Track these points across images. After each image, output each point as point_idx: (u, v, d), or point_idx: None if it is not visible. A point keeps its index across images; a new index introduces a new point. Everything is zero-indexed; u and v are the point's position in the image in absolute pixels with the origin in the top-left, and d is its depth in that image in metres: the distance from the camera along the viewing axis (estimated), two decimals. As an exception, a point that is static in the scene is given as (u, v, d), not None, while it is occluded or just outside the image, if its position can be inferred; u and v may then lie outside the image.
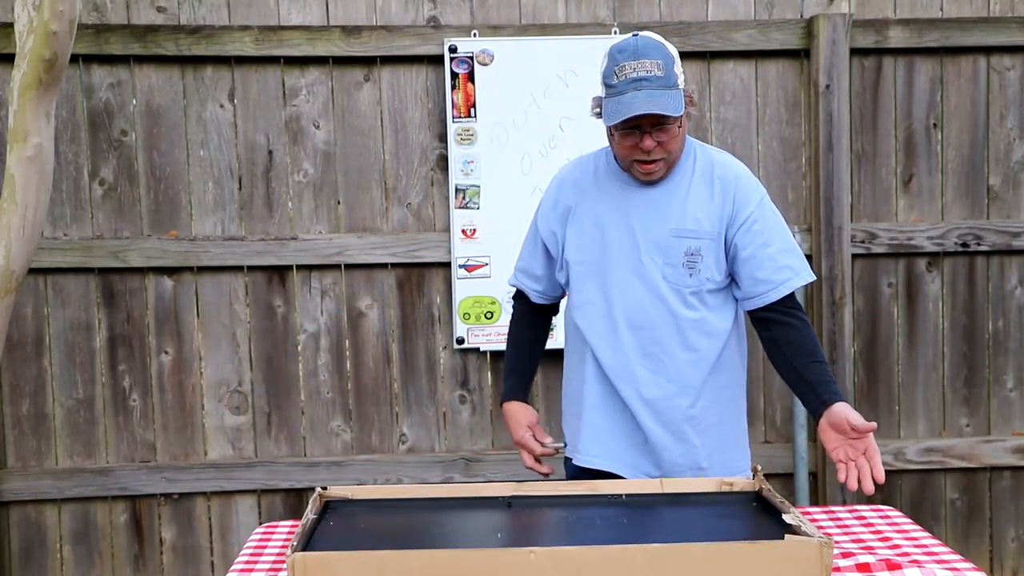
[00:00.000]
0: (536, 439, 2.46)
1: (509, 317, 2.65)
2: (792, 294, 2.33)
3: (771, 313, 2.33)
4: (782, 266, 2.31)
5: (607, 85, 2.25)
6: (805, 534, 1.76)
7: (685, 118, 2.28)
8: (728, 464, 2.39)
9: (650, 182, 2.33)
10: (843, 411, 2.15)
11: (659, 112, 2.18)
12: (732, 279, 2.37)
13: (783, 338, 2.31)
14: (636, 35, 2.26)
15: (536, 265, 2.53)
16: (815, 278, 2.40)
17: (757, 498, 2.09)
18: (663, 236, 2.31)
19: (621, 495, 2.13)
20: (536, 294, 2.56)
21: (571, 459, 2.49)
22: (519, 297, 2.62)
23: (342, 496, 2.12)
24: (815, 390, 2.24)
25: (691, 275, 2.31)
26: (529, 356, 2.60)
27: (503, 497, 2.12)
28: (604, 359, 2.37)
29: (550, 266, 2.51)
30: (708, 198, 2.32)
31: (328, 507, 2.08)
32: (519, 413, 2.52)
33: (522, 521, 2.03)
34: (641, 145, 2.25)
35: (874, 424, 2.14)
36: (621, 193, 2.37)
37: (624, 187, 2.37)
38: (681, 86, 2.24)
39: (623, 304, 2.33)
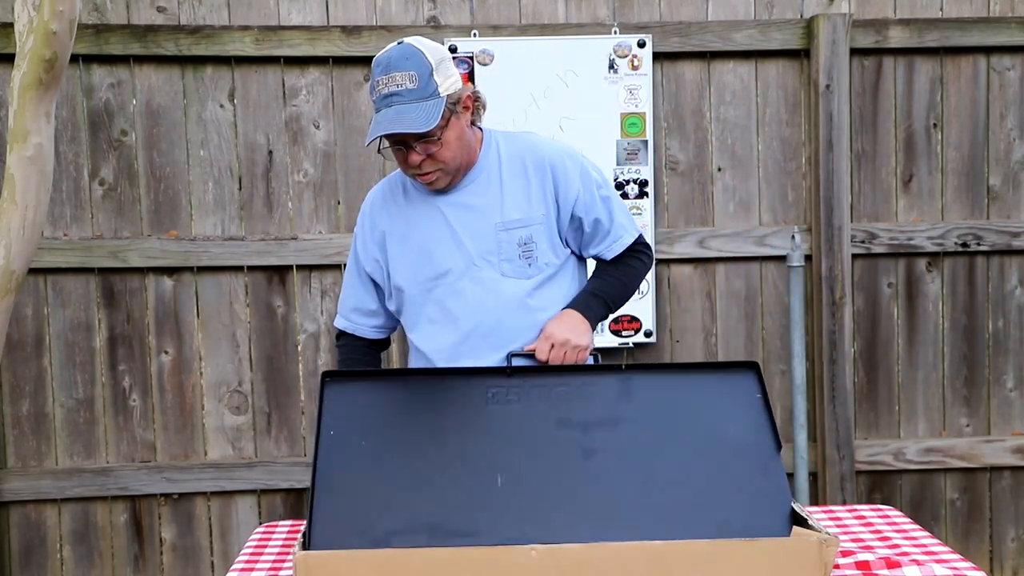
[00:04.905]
0: None
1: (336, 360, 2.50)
2: (639, 239, 2.40)
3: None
4: (618, 224, 2.37)
5: (373, 102, 2.19)
6: (811, 527, 1.76)
7: (463, 122, 2.21)
8: None
9: (441, 190, 2.28)
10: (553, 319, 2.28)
11: (402, 131, 2.11)
12: (572, 253, 2.38)
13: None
14: (400, 43, 2.17)
15: (369, 300, 2.43)
16: (640, 232, 2.43)
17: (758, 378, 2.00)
18: (491, 234, 2.27)
19: (620, 365, 2.03)
20: (374, 330, 2.46)
21: None
22: (346, 338, 2.48)
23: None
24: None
25: (530, 264, 2.28)
26: None
27: (505, 367, 2.05)
28: None
29: (382, 298, 2.43)
30: (524, 186, 2.29)
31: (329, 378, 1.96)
32: None
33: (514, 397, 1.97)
34: (408, 160, 2.20)
35: (538, 348, 2.24)
36: (434, 204, 2.31)
37: (435, 198, 2.31)
38: (444, 94, 2.15)
39: (467, 315, 2.28)
